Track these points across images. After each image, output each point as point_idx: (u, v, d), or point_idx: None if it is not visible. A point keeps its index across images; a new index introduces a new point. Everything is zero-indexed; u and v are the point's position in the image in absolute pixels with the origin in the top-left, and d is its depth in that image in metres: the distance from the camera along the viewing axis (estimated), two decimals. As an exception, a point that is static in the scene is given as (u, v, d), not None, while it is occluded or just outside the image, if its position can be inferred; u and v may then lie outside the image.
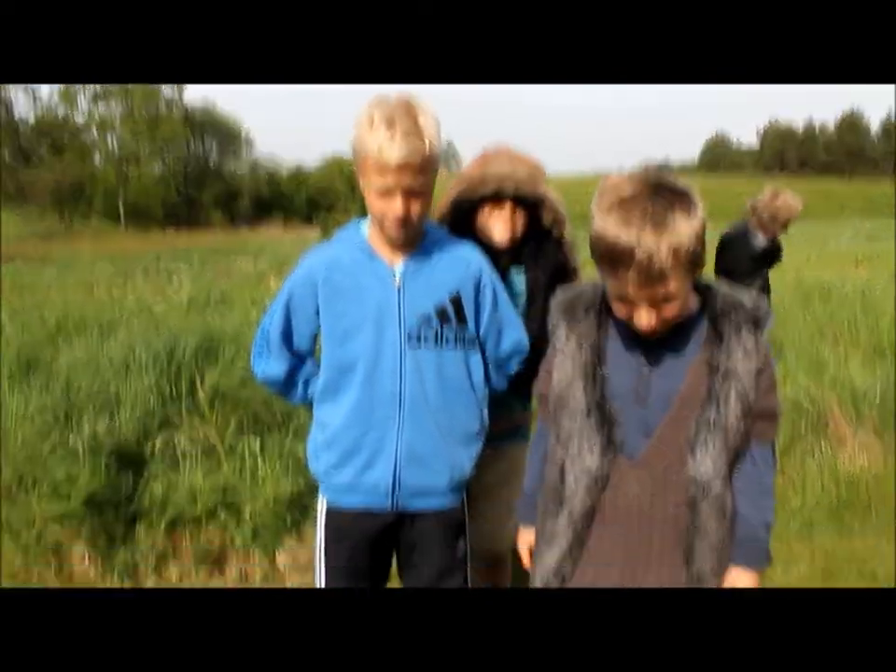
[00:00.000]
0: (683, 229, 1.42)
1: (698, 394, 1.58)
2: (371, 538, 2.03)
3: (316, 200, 45.11)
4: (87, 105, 39.75)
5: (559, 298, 1.75)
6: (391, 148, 1.74)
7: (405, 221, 1.85)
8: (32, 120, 40.50)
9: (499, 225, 2.23)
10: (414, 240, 1.96)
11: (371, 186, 1.82)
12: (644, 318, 1.50)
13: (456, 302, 1.98)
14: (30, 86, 39.58)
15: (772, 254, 4.55)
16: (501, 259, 2.25)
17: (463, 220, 2.27)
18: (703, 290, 1.65)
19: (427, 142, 1.78)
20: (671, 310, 1.50)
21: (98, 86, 38.57)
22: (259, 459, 3.62)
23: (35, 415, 4.04)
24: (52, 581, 3.12)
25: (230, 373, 4.52)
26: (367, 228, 2.00)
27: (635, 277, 1.43)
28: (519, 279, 2.33)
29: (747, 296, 1.64)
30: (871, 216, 35.78)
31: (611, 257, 1.44)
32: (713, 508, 1.60)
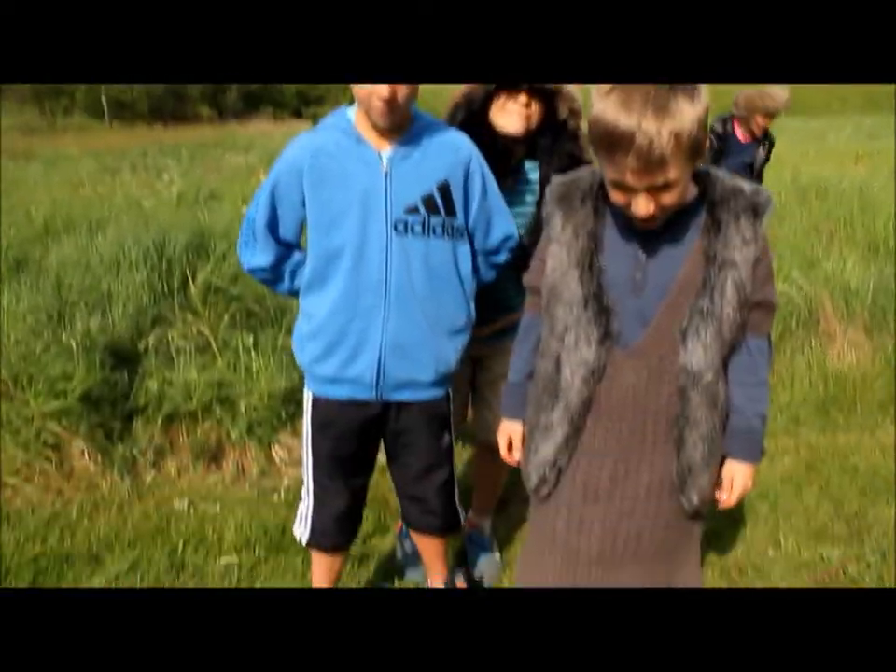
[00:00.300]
0: (686, 113, 1.37)
1: (695, 283, 1.57)
2: (357, 427, 2.06)
3: (306, 92, 43.78)
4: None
5: (554, 186, 1.71)
6: None
7: (391, 104, 1.80)
8: (6, 7, 38.75)
9: (514, 115, 2.18)
10: (402, 126, 1.91)
11: None
12: (642, 206, 1.47)
13: (445, 190, 1.95)
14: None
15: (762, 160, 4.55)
16: (515, 150, 2.21)
17: (477, 111, 2.21)
18: (702, 177, 1.61)
19: None
20: (670, 198, 1.47)
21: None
22: (253, 354, 3.64)
23: (28, 314, 4.03)
24: (54, 477, 3.18)
25: (221, 269, 4.49)
26: (353, 114, 1.95)
27: (634, 163, 1.39)
28: (532, 172, 2.29)
29: (746, 183, 1.60)
30: (872, 112, 34.96)
31: (610, 141, 1.40)
32: (704, 397, 1.61)
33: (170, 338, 3.73)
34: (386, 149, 1.91)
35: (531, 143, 2.24)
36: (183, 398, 3.37)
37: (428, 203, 1.94)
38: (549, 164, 2.23)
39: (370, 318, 1.95)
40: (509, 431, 1.93)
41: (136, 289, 4.30)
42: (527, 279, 1.85)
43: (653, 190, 1.45)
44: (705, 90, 1.42)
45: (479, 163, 2.03)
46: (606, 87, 1.42)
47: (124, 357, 3.72)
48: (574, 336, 1.63)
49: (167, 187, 8.42)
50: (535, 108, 2.20)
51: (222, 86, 42.54)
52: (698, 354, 1.58)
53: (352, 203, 1.90)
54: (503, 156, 2.20)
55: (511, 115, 2.19)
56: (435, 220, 1.95)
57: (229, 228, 5.41)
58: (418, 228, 1.93)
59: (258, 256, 2.03)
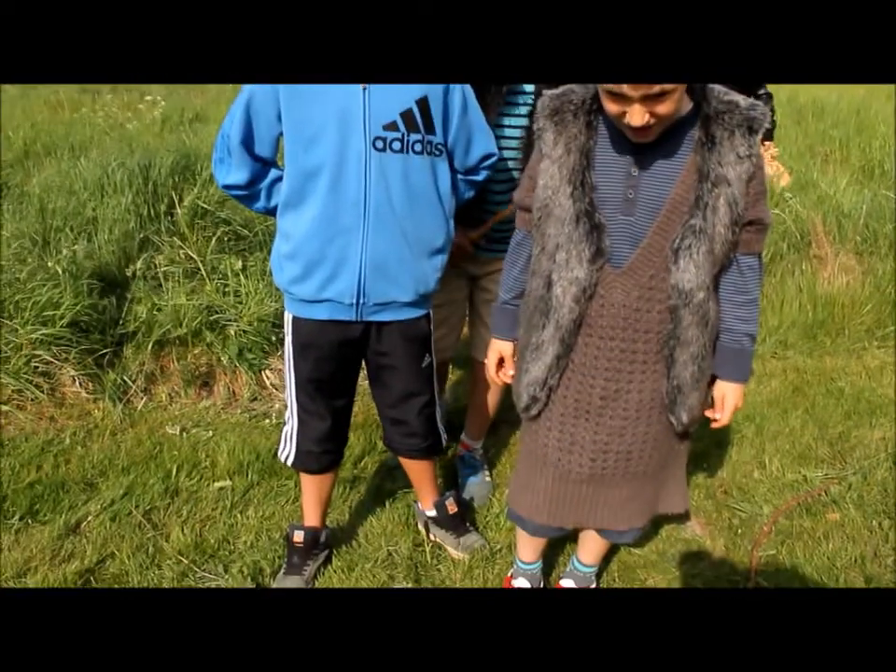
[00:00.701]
0: None
1: (687, 201, 1.56)
2: (337, 348, 2.06)
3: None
4: None
5: (546, 100, 1.67)
6: None
7: None
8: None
9: None
10: None
11: None
12: (637, 116, 1.44)
13: (424, 106, 1.90)
14: None
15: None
16: None
17: None
18: (697, 91, 1.57)
19: None
20: (665, 108, 1.44)
21: None
22: (242, 278, 3.60)
23: (12, 240, 3.97)
24: (46, 404, 3.19)
25: (208, 192, 4.40)
26: None
27: None
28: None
29: (742, 98, 1.57)
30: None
31: None
32: (695, 316, 1.61)
33: (157, 263, 3.68)
34: None
35: None
36: (172, 323, 3.36)
37: (407, 119, 1.89)
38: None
39: (348, 238, 1.92)
40: (498, 350, 1.93)
41: (122, 214, 4.22)
42: (517, 196, 1.82)
43: (648, 99, 1.42)
44: None
45: None
46: None
47: (112, 283, 3.69)
48: (566, 254, 1.62)
49: (150, 108, 8.20)
50: None
51: None
52: (690, 272, 1.57)
53: (329, 119, 1.85)
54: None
55: None
56: (414, 137, 1.91)
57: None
58: (397, 145, 1.89)
59: (233, 173, 1.98)
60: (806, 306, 4.13)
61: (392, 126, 1.88)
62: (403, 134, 1.89)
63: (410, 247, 1.98)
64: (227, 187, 2.03)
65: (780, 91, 9.57)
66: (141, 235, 4.02)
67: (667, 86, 1.39)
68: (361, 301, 1.98)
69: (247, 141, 1.94)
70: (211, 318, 3.39)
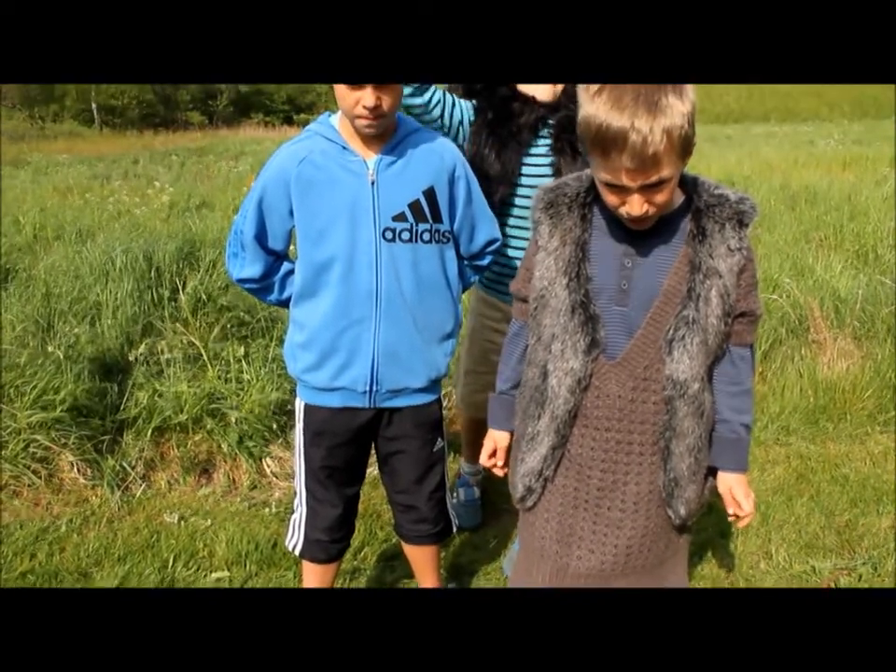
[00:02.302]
0: (676, 110, 1.38)
1: (680, 292, 1.58)
2: (350, 435, 2.06)
3: (296, 98, 43.78)
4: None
5: (541, 193, 1.70)
6: None
7: (377, 114, 1.80)
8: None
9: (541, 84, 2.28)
10: (387, 133, 1.91)
11: None
12: (636, 206, 1.47)
13: (431, 196, 1.95)
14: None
15: None
16: (542, 117, 2.33)
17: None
18: (688, 185, 1.62)
19: None
20: (662, 196, 1.48)
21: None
22: (244, 365, 3.62)
23: (16, 323, 4.01)
24: (42, 491, 3.16)
25: (212, 278, 4.48)
26: (338, 121, 1.94)
27: (628, 162, 1.39)
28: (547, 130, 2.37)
29: (732, 192, 1.61)
30: (859, 118, 35.31)
31: (603, 142, 1.40)
32: (690, 407, 1.61)
33: (160, 349, 3.70)
34: (372, 157, 1.91)
35: (556, 108, 2.33)
36: (173, 409, 3.35)
37: (415, 209, 1.94)
38: (563, 129, 2.32)
39: (361, 327, 1.95)
40: (494, 441, 1.93)
41: (125, 299, 4.28)
42: (514, 287, 1.85)
43: (647, 189, 1.45)
44: (692, 87, 1.43)
45: (463, 169, 2.04)
46: (594, 87, 1.43)
47: (113, 368, 3.71)
48: (561, 344, 1.63)
49: (158, 194, 8.39)
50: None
51: (213, 92, 42.48)
52: (684, 363, 1.58)
53: (340, 212, 1.90)
54: (532, 123, 2.33)
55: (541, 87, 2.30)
56: (422, 227, 1.95)
57: (219, 236, 5.40)
58: (406, 235, 1.93)
59: (247, 267, 2.03)
60: (807, 391, 4.12)
61: (401, 217, 1.92)
62: (412, 224, 1.93)
63: (421, 334, 2.01)
64: (241, 280, 2.07)
65: (773, 178, 9.85)
66: (144, 320, 4.07)
67: (664, 174, 1.43)
68: (374, 388, 2.00)
69: (260, 236, 1.98)
70: (212, 405, 3.38)
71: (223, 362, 3.64)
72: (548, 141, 2.36)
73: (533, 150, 2.36)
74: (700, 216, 1.58)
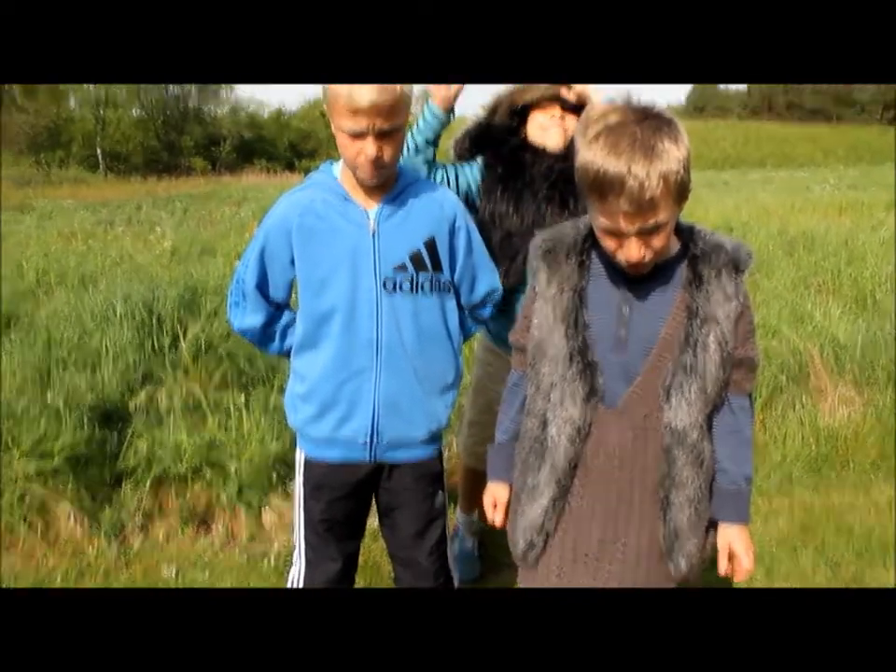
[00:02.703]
0: (672, 155, 1.40)
1: (678, 338, 1.58)
2: (350, 489, 2.04)
3: (298, 145, 44.37)
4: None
5: (538, 242, 1.71)
6: (362, 90, 1.69)
7: (378, 164, 1.81)
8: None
9: (552, 130, 2.28)
10: (388, 183, 1.92)
11: (342, 128, 1.78)
12: (634, 250, 1.48)
13: (431, 246, 1.96)
14: None
15: None
16: (556, 167, 2.29)
17: (515, 133, 2.34)
18: (684, 232, 1.63)
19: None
20: (659, 241, 1.49)
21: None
22: (244, 414, 3.61)
23: (16, 371, 4.01)
24: (38, 543, 3.12)
25: (213, 326, 4.49)
26: (339, 170, 1.96)
27: (626, 206, 1.41)
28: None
29: (727, 239, 1.62)
30: (854, 163, 35.80)
31: (601, 187, 1.42)
32: (689, 456, 1.60)
33: (159, 397, 3.70)
34: (373, 207, 1.92)
35: (566, 158, 2.29)
36: (172, 459, 3.33)
37: (416, 259, 1.94)
38: (559, 179, 2.31)
39: (362, 378, 1.94)
40: (494, 494, 1.90)
41: (126, 346, 4.29)
42: (513, 337, 1.85)
43: (644, 234, 1.46)
44: (685, 133, 1.45)
45: (464, 219, 2.05)
46: (590, 133, 1.45)
47: (113, 417, 3.69)
48: (560, 392, 1.63)
49: (160, 240, 8.46)
50: (569, 122, 2.28)
51: (216, 138, 43.07)
52: (682, 411, 1.57)
53: (341, 262, 1.90)
54: (545, 173, 2.31)
55: (548, 131, 2.29)
56: (423, 277, 1.95)
57: (221, 283, 5.42)
58: (406, 285, 1.93)
59: (248, 317, 2.03)
60: (809, 439, 4.10)
61: (401, 267, 1.92)
62: (413, 275, 1.93)
63: (422, 385, 2.00)
64: (242, 330, 2.07)
65: (771, 223, 9.93)
66: (144, 368, 4.07)
67: (661, 219, 1.44)
68: (375, 440, 1.98)
69: (262, 285, 1.99)
70: (211, 455, 3.37)
71: (223, 411, 3.63)
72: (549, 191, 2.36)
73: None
74: (696, 262, 1.59)
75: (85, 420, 3.48)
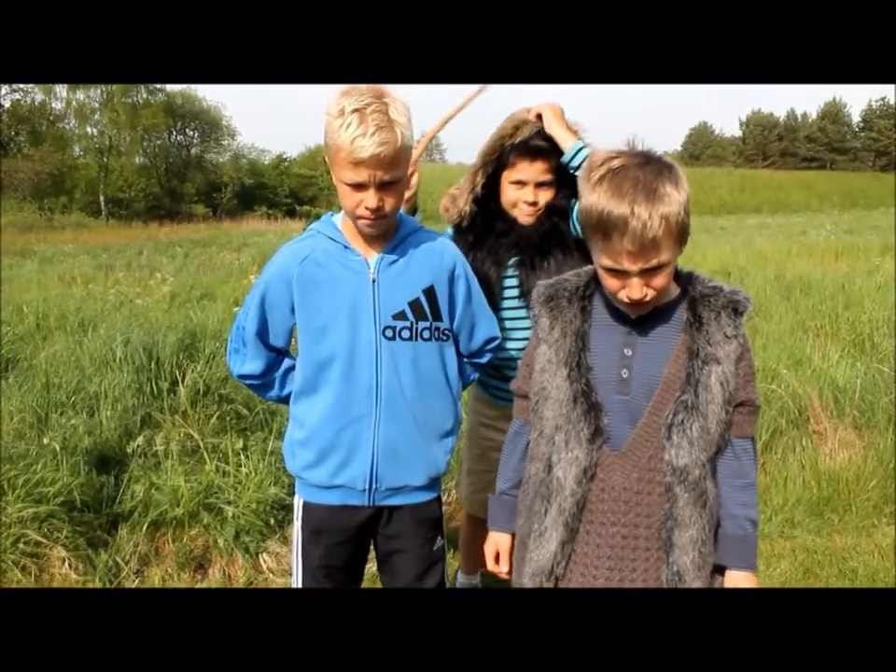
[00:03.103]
0: (674, 198, 1.47)
1: (680, 379, 1.59)
2: (349, 533, 2.03)
3: (299, 192, 44.87)
4: (65, 91, 39.08)
5: (541, 288, 1.75)
6: (363, 142, 1.72)
7: (379, 214, 1.83)
8: (8, 104, 39.83)
9: (519, 210, 2.33)
10: (389, 231, 1.95)
11: (343, 178, 1.80)
12: (636, 289, 1.52)
13: (431, 295, 1.98)
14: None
15: None
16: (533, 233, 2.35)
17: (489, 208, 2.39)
18: (683, 277, 1.67)
19: (399, 133, 1.76)
20: (661, 281, 1.53)
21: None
22: (242, 458, 3.59)
23: (14, 414, 4.00)
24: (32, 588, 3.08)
25: (211, 370, 4.49)
26: (340, 220, 1.98)
27: (630, 246, 1.46)
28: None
29: (725, 284, 1.66)
30: (849, 209, 36.23)
31: (605, 228, 1.48)
32: (691, 495, 1.59)
33: (157, 441, 3.68)
34: (373, 256, 1.94)
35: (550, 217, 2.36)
36: (170, 503, 3.31)
37: (415, 308, 1.96)
38: (542, 220, 2.35)
39: (361, 425, 1.94)
40: (496, 543, 1.89)
41: (125, 390, 4.29)
42: (515, 385, 1.86)
43: (646, 273, 1.51)
44: (685, 178, 1.51)
45: (463, 268, 2.07)
46: (594, 177, 1.50)
47: (110, 460, 3.67)
48: (565, 435, 1.63)
49: (160, 285, 8.51)
50: (543, 197, 2.32)
51: (217, 185, 43.58)
52: (684, 448, 1.57)
53: (341, 310, 1.92)
54: (514, 242, 2.36)
55: (517, 209, 2.34)
56: (422, 325, 1.97)
57: (220, 328, 5.43)
58: (406, 333, 1.94)
59: (248, 363, 2.04)
60: (810, 482, 4.08)
61: (401, 315, 1.94)
62: (412, 323, 1.95)
63: (420, 431, 2.00)
64: (242, 377, 2.08)
65: (768, 268, 10.00)
66: (143, 412, 4.06)
67: (663, 259, 1.49)
68: (374, 486, 1.97)
69: (262, 332, 2.00)
70: (209, 500, 3.34)
71: (221, 455, 3.61)
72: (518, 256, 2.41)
73: (510, 270, 2.40)
74: (696, 305, 1.62)
75: (82, 464, 3.46)
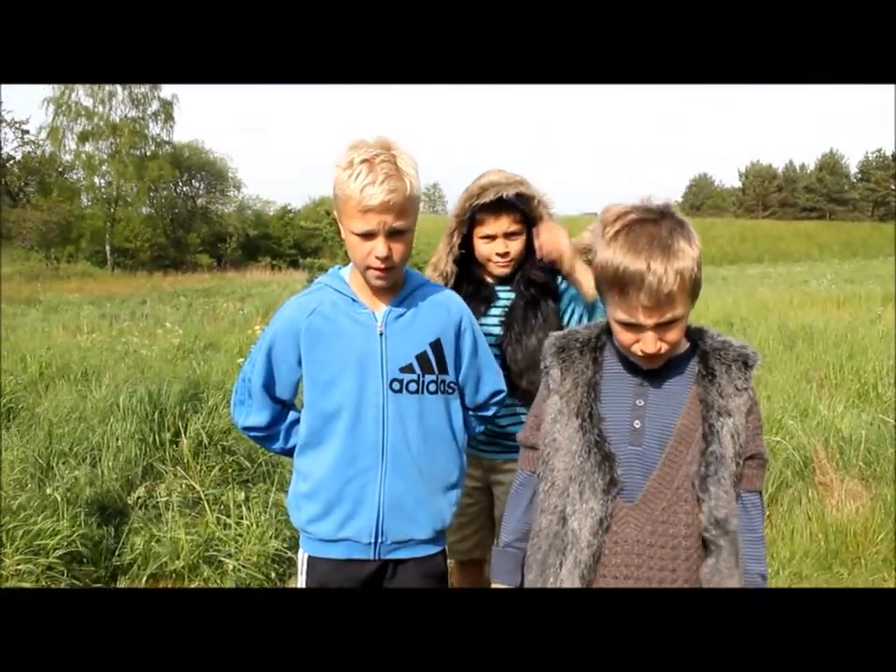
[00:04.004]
0: (688, 253, 1.49)
1: (694, 430, 1.59)
2: (353, 587, 1.99)
3: (303, 243, 45.20)
4: (74, 144, 39.75)
5: (552, 340, 1.75)
6: (373, 190, 1.75)
7: (388, 264, 1.84)
8: (20, 157, 40.46)
9: (494, 264, 2.41)
10: (396, 285, 1.96)
11: (353, 228, 1.82)
12: (650, 343, 1.53)
13: (437, 348, 1.98)
14: (17, 124, 39.52)
15: None
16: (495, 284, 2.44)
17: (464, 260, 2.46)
18: (693, 332, 1.68)
19: (407, 182, 1.80)
20: (674, 335, 1.54)
21: (86, 125, 38.58)
22: (244, 510, 3.57)
23: (16, 464, 3.99)
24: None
25: (213, 421, 4.48)
26: (348, 274, 2.00)
27: (646, 300, 1.48)
28: (503, 293, 2.48)
29: (734, 339, 1.68)
30: (849, 258, 36.50)
31: (622, 283, 1.49)
32: (732, 546, 1.58)
33: (158, 492, 3.66)
34: (381, 309, 1.95)
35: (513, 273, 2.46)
36: (170, 556, 3.27)
37: (422, 361, 1.96)
38: (522, 293, 2.44)
39: (367, 478, 1.93)
40: None
41: (128, 440, 4.28)
42: (522, 436, 1.84)
43: (661, 327, 1.52)
44: (697, 234, 1.53)
45: (470, 322, 2.08)
46: (609, 233, 1.52)
47: (111, 512, 3.65)
48: (579, 486, 1.61)
49: (165, 335, 8.53)
50: (514, 247, 2.40)
51: (222, 236, 43.99)
52: (722, 499, 1.56)
53: (348, 363, 1.92)
54: (485, 288, 2.47)
55: (489, 264, 2.42)
56: (429, 378, 1.97)
57: (223, 378, 5.44)
58: (413, 386, 1.95)
59: (253, 415, 2.04)
60: (818, 535, 4.02)
61: (408, 368, 1.94)
62: (419, 376, 1.95)
63: (426, 485, 1.99)
64: (246, 428, 2.07)
65: (770, 318, 10.03)
66: (145, 463, 4.04)
67: (677, 313, 1.50)
68: (379, 539, 1.95)
69: (268, 385, 2.00)
70: (209, 552, 3.31)
71: (222, 507, 3.59)
72: (498, 313, 2.46)
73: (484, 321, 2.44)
74: (707, 357, 1.63)
75: (83, 515, 3.44)
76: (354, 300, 1.95)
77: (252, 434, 2.09)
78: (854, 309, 11.60)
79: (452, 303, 2.06)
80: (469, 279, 2.46)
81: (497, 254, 2.39)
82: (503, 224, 2.38)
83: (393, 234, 1.82)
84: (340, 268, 2.05)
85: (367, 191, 1.75)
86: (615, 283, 1.51)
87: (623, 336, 1.57)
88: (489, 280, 2.47)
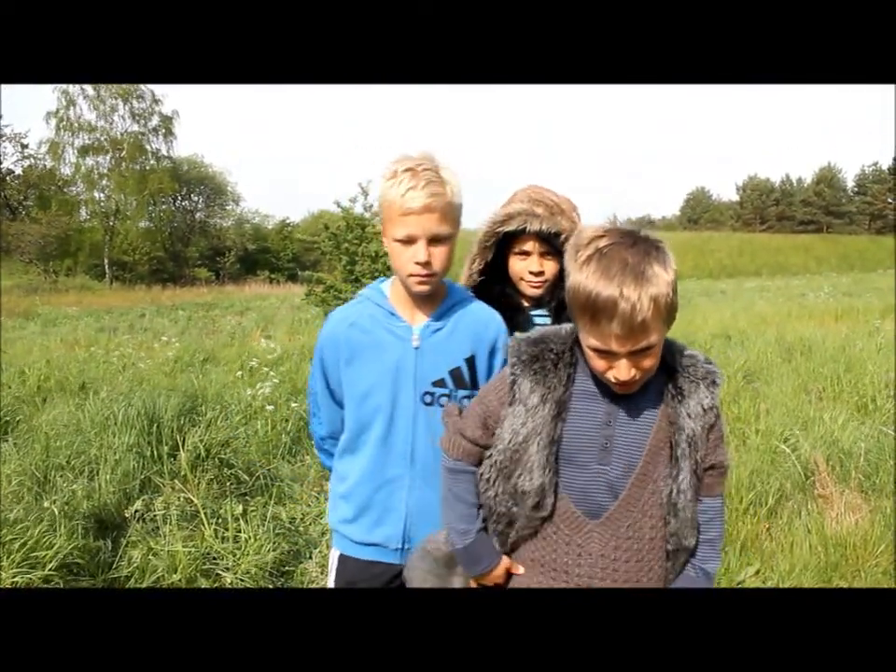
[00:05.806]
0: (661, 278, 1.44)
1: (663, 449, 1.60)
2: (381, 587, 2.04)
3: (301, 257, 45.26)
4: (74, 157, 39.83)
5: (523, 346, 1.68)
6: (415, 193, 1.79)
7: (429, 269, 1.85)
8: (19, 171, 40.52)
9: (528, 284, 2.27)
10: (437, 297, 1.98)
11: (395, 234, 1.85)
12: (624, 371, 1.49)
13: (471, 365, 2.00)
14: (17, 137, 39.63)
15: None
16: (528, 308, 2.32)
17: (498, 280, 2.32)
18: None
19: (449, 190, 1.83)
20: (649, 361, 1.51)
21: (86, 139, 38.77)
22: (242, 523, 3.55)
23: (13, 477, 3.97)
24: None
25: (211, 434, 4.47)
26: (389, 287, 2.03)
27: (618, 329, 1.43)
28: (541, 319, 2.37)
29: (698, 352, 1.67)
30: (846, 271, 36.59)
31: (593, 310, 1.44)
32: (686, 555, 1.64)
33: (156, 505, 3.65)
34: (418, 323, 1.98)
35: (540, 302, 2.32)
36: (167, 569, 3.26)
37: (456, 376, 1.99)
38: (560, 317, 2.29)
39: (395, 486, 1.98)
40: (497, 577, 1.78)
41: (125, 453, 4.27)
42: (472, 433, 1.76)
43: (635, 355, 1.48)
44: (673, 258, 1.49)
45: (505, 341, 2.06)
46: (581, 257, 1.48)
47: (108, 525, 3.64)
48: (532, 501, 1.62)
49: (163, 348, 8.53)
50: (549, 267, 2.26)
51: (221, 250, 44.05)
52: (687, 522, 1.60)
53: (383, 375, 1.96)
54: (521, 314, 2.31)
55: (522, 283, 2.29)
56: (462, 393, 1.99)
57: (221, 391, 5.43)
58: (444, 399, 1.97)
59: (324, 425, 2.11)
60: (817, 548, 4.01)
61: (440, 383, 1.97)
62: (451, 390, 1.97)
63: None
64: (322, 439, 2.14)
65: (768, 331, 10.04)
66: (142, 476, 4.03)
67: (652, 340, 1.46)
68: (406, 546, 2.00)
69: (330, 392, 2.07)
70: (207, 566, 3.29)
71: (220, 520, 3.57)
72: None
73: None
74: (676, 376, 1.61)
75: (80, 528, 3.42)
76: (392, 313, 1.98)
77: (326, 445, 2.15)
78: (852, 322, 11.62)
79: (491, 321, 2.06)
80: (501, 304, 2.28)
81: (531, 272, 2.25)
82: (536, 244, 2.26)
83: (433, 241, 1.84)
84: (382, 281, 2.09)
85: (409, 195, 1.79)
86: (587, 309, 1.46)
87: (597, 363, 1.53)
88: (525, 304, 2.33)
